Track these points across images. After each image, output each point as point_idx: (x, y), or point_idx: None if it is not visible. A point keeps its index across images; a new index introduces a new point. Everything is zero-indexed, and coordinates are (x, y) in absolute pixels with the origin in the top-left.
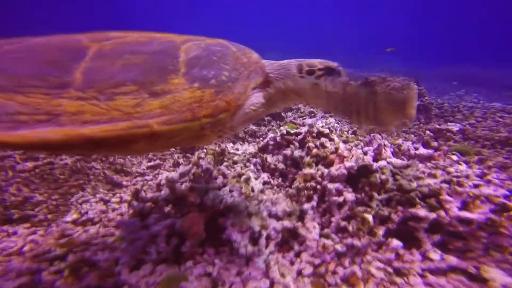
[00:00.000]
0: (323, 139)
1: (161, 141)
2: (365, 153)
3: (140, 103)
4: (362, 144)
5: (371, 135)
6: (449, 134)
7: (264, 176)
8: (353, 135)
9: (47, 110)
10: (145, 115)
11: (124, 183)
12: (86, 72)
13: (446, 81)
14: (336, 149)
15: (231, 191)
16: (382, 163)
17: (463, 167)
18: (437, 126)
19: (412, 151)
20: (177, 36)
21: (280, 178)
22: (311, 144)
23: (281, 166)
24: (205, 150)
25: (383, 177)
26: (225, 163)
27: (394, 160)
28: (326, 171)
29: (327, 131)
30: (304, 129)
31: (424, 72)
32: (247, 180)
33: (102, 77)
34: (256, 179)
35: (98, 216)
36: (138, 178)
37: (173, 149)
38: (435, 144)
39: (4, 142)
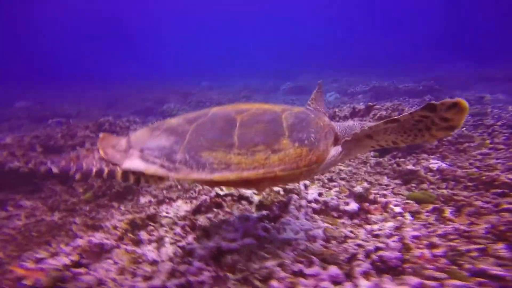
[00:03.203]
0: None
1: (277, 181)
2: None
3: (268, 157)
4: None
5: (289, 195)
6: (424, 175)
7: (190, 238)
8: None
9: (224, 161)
10: (271, 165)
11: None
12: (239, 136)
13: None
14: None
15: None
16: None
17: (406, 219)
18: (409, 168)
19: (342, 207)
20: (277, 106)
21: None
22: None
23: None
24: (124, 218)
25: None
26: (150, 227)
27: None
28: None
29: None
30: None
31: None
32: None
33: (247, 140)
34: (172, 243)
35: None
36: None
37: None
38: (372, 196)
39: (208, 180)
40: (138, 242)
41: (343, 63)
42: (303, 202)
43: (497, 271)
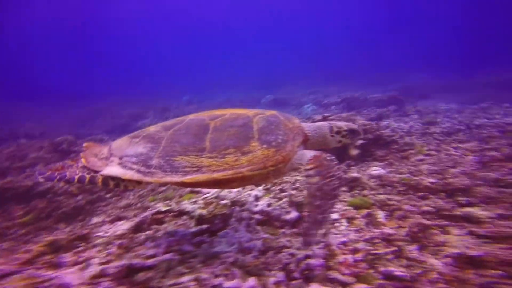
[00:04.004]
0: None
1: (246, 181)
2: None
3: (237, 159)
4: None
5: (232, 208)
6: (366, 182)
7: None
8: None
9: (196, 164)
10: (240, 166)
11: None
12: (211, 141)
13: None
14: None
15: None
16: None
17: (342, 225)
18: (353, 175)
19: (283, 217)
20: (250, 111)
21: None
22: None
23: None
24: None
25: None
26: (80, 248)
27: None
28: None
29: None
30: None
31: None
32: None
33: (218, 144)
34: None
35: None
36: None
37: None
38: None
39: (180, 182)
40: (55, 265)
41: (323, 73)
42: (245, 214)
43: (401, 272)
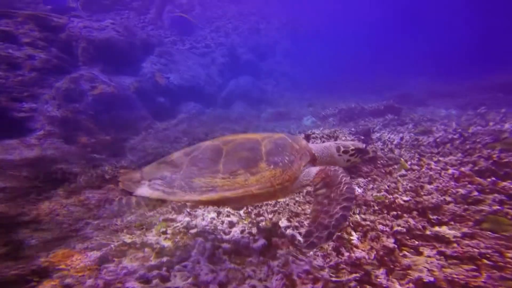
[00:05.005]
0: None
1: (256, 198)
2: None
3: (247, 179)
4: None
5: (196, 239)
6: None
7: None
8: None
9: (211, 185)
10: (249, 185)
11: None
12: (224, 164)
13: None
14: None
15: None
16: None
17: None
18: None
19: (251, 245)
20: (260, 135)
21: None
22: None
23: None
24: None
25: None
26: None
27: None
28: None
29: None
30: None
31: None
32: None
33: (230, 166)
34: None
35: None
36: None
37: None
38: (280, 231)
39: (197, 201)
40: None
41: (321, 83)
42: (208, 245)
43: None
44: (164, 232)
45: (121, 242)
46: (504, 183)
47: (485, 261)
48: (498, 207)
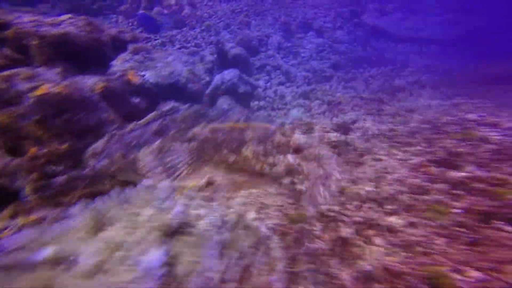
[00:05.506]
0: None
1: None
2: None
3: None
4: None
5: None
6: None
7: None
8: None
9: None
10: None
11: None
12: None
13: None
14: None
15: None
16: None
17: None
18: (298, 187)
19: None
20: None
21: None
22: None
23: None
24: None
25: None
26: None
27: None
28: None
29: None
30: None
31: None
32: None
33: None
34: None
35: None
36: None
37: None
38: None
39: None
40: None
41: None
42: None
43: None
44: None
45: None
46: (452, 173)
47: (419, 248)
48: (439, 197)
